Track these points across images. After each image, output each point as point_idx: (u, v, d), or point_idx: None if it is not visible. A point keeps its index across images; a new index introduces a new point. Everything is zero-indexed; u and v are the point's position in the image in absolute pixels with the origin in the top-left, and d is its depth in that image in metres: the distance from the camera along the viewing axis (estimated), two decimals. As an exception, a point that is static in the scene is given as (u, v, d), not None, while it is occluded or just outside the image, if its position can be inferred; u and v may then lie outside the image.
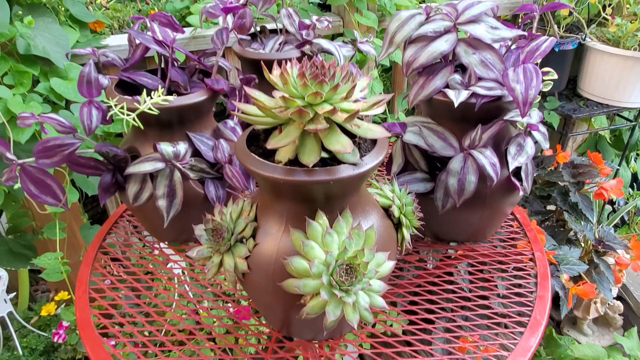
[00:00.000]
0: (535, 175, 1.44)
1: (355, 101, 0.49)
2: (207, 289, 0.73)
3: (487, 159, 0.61)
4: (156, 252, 0.79)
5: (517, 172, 0.67)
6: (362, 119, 0.51)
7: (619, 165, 1.68)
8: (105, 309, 0.66)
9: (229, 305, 0.82)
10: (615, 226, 1.98)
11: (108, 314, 0.65)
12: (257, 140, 0.52)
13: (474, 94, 0.59)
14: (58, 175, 1.02)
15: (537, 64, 1.24)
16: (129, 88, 0.69)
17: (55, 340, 1.05)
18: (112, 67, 0.71)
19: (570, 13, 1.39)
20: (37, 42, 0.98)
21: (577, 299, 1.46)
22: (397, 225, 0.58)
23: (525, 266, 0.70)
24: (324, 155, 0.47)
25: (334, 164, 0.46)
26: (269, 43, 0.86)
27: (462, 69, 0.66)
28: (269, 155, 0.48)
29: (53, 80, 1.00)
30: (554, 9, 0.66)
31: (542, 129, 0.66)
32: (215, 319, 0.75)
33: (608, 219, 1.84)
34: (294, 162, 0.47)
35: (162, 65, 0.72)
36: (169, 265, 0.81)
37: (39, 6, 1.02)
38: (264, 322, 0.65)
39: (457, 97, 0.58)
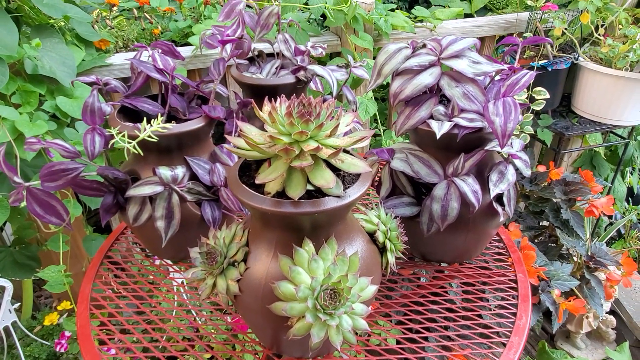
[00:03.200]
0: (528, 191, 1.47)
1: (345, 133, 0.52)
2: (206, 301, 0.76)
3: (469, 186, 0.64)
4: (157, 263, 0.82)
5: (499, 197, 0.70)
6: (348, 152, 0.54)
7: (613, 180, 1.70)
8: (107, 317, 0.69)
9: (227, 316, 0.85)
10: (612, 239, 2.00)
11: (109, 325, 0.69)
12: (249, 170, 0.56)
13: (456, 125, 0.62)
14: (62, 190, 1.06)
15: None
16: (130, 113, 0.73)
17: (57, 349, 1.09)
18: (116, 92, 0.75)
19: (563, 33, 1.42)
20: (44, 62, 1.01)
21: (569, 313, 1.48)
22: (382, 250, 0.61)
23: (508, 287, 0.73)
24: (310, 187, 0.50)
25: (319, 196, 0.49)
26: (266, 67, 0.89)
27: (446, 99, 0.69)
28: (260, 184, 0.52)
29: (59, 99, 1.04)
30: (535, 42, 0.69)
31: (524, 156, 0.69)
32: (214, 328, 0.78)
33: (605, 230, 1.87)
34: (282, 193, 0.50)
35: (163, 91, 0.75)
36: (170, 275, 0.84)
37: (46, 27, 1.07)
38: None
39: (440, 128, 0.61)
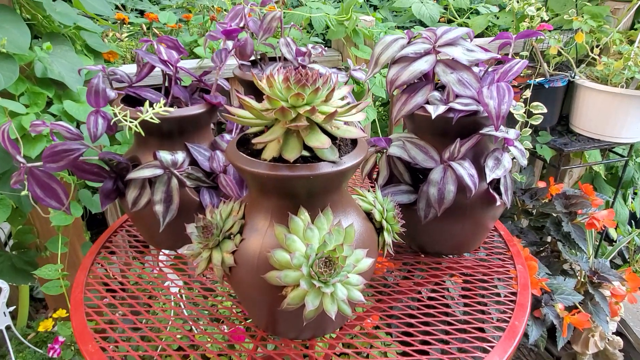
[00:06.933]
0: (530, 207, 1.46)
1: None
2: (205, 311, 0.75)
3: (465, 170, 0.64)
4: (154, 267, 0.81)
5: (497, 186, 0.70)
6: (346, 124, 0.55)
7: (614, 201, 1.70)
8: (101, 301, 0.68)
9: (224, 326, 0.84)
10: (617, 265, 1.97)
11: (103, 307, 0.68)
12: (247, 143, 0.57)
13: (451, 109, 0.64)
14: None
15: (524, 90, 1.29)
16: (135, 103, 0.75)
17: (50, 355, 1.06)
18: (121, 83, 0.77)
19: (560, 53, 1.46)
20: (54, 67, 1.05)
21: (575, 333, 1.44)
22: (379, 230, 0.61)
23: (507, 277, 0.72)
24: (307, 154, 0.51)
25: (315, 162, 0.50)
26: (267, 69, 0.92)
27: (442, 88, 0.71)
28: (257, 156, 0.53)
29: (66, 103, 1.06)
30: (528, 37, 0.72)
31: (520, 145, 0.70)
32: (210, 338, 0.76)
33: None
34: (279, 159, 0.51)
35: (166, 84, 0.77)
36: (166, 284, 0.83)
37: (57, 35, 1.11)
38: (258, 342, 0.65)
39: (435, 111, 0.62)
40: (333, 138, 0.53)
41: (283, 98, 0.49)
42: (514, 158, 0.70)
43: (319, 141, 0.48)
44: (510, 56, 0.74)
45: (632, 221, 2.02)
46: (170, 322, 0.73)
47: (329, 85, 0.49)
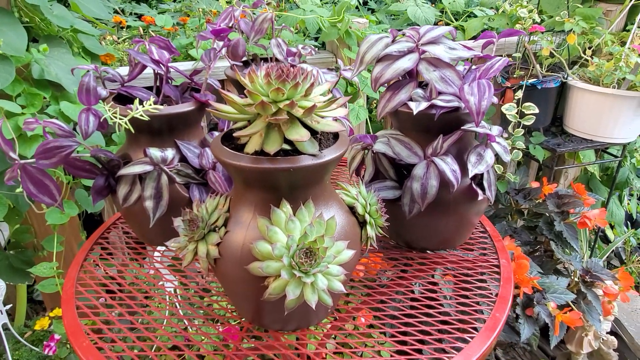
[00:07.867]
0: (524, 207, 1.47)
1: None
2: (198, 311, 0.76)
3: (447, 165, 0.66)
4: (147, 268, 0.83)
5: (480, 182, 0.72)
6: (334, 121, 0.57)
7: (607, 201, 1.70)
8: (95, 292, 0.70)
9: (219, 325, 0.84)
10: (614, 266, 1.98)
11: (95, 302, 0.69)
12: (232, 139, 0.58)
13: (433, 106, 0.65)
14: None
15: (517, 91, 1.30)
16: (127, 102, 0.76)
17: (46, 352, 1.08)
18: (114, 82, 0.79)
19: (552, 54, 1.48)
20: (51, 69, 1.07)
21: (569, 332, 1.45)
22: (363, 224, 0.63)
23: (491, 272, 0.73)
24: (288, 147, 0.52)
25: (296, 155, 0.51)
26: (259, 69, 0.94)
27: (426, 86, 0.72)
28: (241, 150, 0.54)
29: (63, 104, 1.08)
30: (510, 36, 0.73)
31: (503, 142, 0.72)
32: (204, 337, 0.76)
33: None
34: (261, 153, 0.52)
35: (158, 84, 0.79)
36: (160, 283, 0.84)
37: (54, 38, 1.13)
38: (252, 339, 0.66)
39: (417, 107, 0.64)
40: (314, 132, 0.55)
41: (264, 93, 0.50)
42: (496, 154, 0.71)
43: (299, 134, 0.49)
44: (493, 55, 0.76)
45: (629, 222, 2.02)
46: (164, 321, 0.74)
47: (309, 81, 0.51)
